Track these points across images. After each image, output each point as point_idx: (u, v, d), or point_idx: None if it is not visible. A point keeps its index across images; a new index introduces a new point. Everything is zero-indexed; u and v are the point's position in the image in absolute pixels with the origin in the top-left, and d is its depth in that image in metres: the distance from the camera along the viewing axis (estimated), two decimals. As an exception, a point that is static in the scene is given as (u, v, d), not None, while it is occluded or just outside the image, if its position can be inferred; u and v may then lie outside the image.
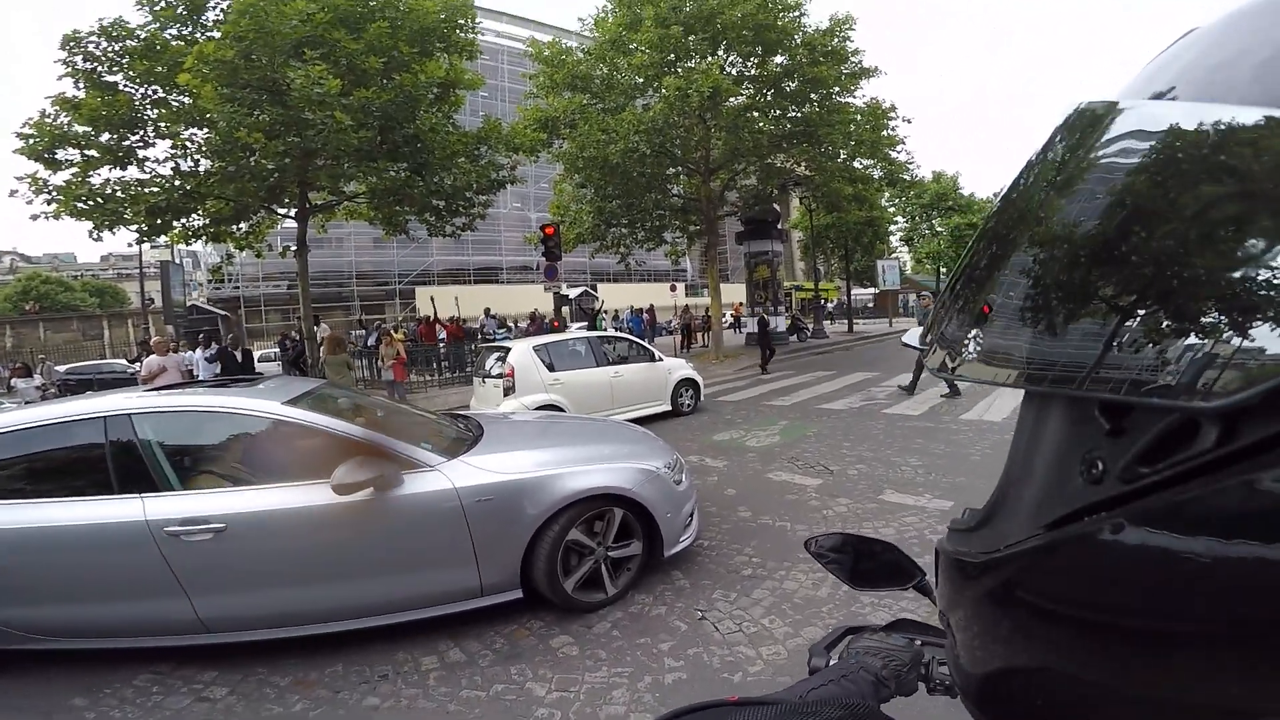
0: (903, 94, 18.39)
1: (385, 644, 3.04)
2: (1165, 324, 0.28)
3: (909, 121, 16.35)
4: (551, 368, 7.95)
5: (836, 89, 15.01)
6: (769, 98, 15.32)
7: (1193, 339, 0.26)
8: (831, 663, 0.81)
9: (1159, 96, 0.35)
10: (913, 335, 0.54)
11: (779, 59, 14.88)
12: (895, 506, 4.70)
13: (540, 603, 3.26)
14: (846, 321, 27.31)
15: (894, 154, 17.07)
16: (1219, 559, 0.26)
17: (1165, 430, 0.29)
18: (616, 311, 25.88)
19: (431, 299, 18.36)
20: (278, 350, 15.12)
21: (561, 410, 7.50)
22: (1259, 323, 0.24)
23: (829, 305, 33.48)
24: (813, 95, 14.98)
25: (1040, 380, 0.35)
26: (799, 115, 15.30)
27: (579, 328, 15.72)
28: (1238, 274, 0.25)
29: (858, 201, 20.86)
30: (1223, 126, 0.28)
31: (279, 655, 2.96)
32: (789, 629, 3.06)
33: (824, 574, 3.53)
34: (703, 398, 9.71)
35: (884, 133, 15.96)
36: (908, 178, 19.43)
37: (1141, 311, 0.29)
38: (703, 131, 15.06)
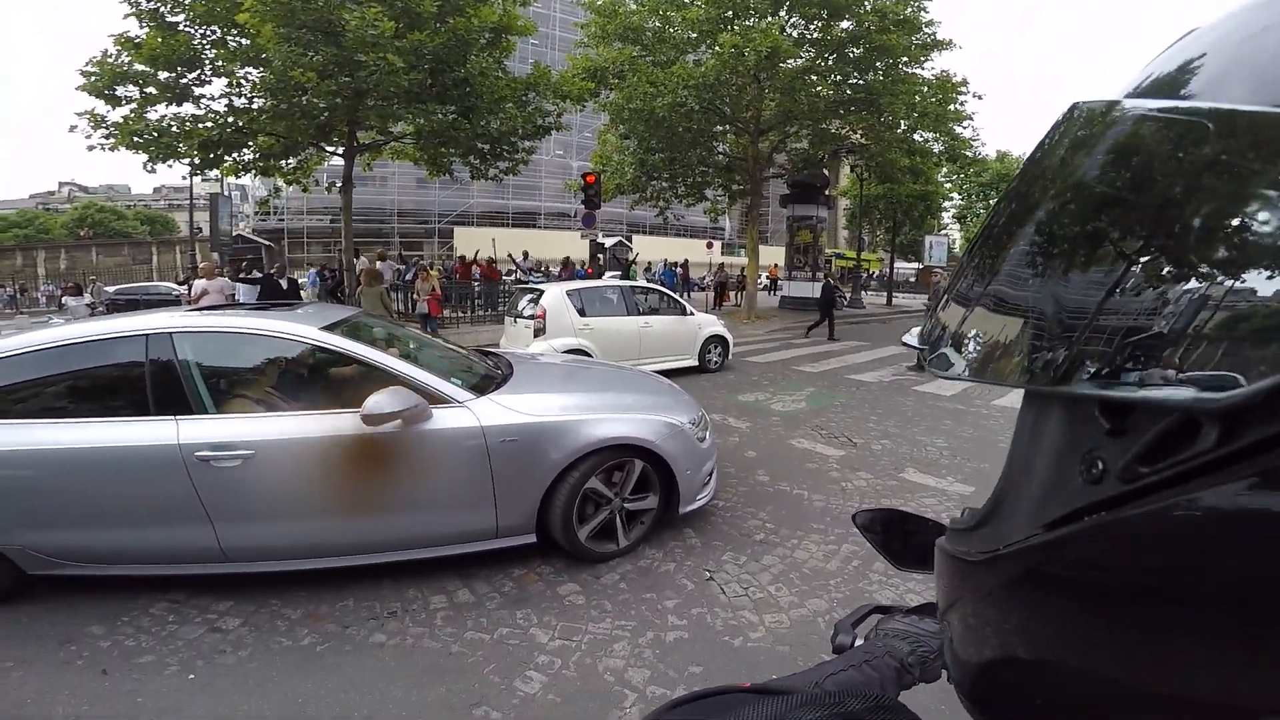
0: (977, 68, 17.24)
1: (396, 580, 3.11)
2: (1165, 323, 0.27)
3: (980, 98, 15.49)
4: (583, 313, 7.97)
5: (905, 59, 14.29)
6: (830, 62, 14.67)
7: (1193, 338, 0.26)
8: (857, 642, 0.79)
9: (1160, 96, 0.35)
10: (912, 335, 0.52)
11: (845, 24, 14.16)
12: (916, 486, 4.64)
13: (552, 548, 3.32)
14: (886, 294, 26.60)
15: (959, 129, 16.25)
16: (1219, 559, 0.26)
17: (1165, 430, 0.29)
18: (650, 264, 25.69)
19: (479, 251, 18.37)
20: (314, 280, 15.33)
21: (589, 356, 7.53)
22: (1259, 322, 0.24)
23: (868, 276, 32.58)
24: (878, 63, 14.31)
25: (1040, 379, 0.34)
26: (861, 82, 14.61)
27: (612, 276, 15.67)
28: (1237, 274, 0.25)
29: (913, 174, 20.10)
30: (1224, 126, 0.28)
31: (292, 587, 3.03)
32: (794, 599, 3.07)
33: (835, 546, 3.55)
34: (731, 356, 9.64)
35: (951, 107, 15.16)
36: (970, 154, 18.51)
37: (1141, 311, 0.29)
38: (755, 91, 14.52)
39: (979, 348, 0.40)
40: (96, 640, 2.73)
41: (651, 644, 2.71)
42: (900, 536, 0.90)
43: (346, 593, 3.04)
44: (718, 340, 9.28)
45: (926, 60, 14.90)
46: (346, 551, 3.02)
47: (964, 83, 15.09)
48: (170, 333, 2.97)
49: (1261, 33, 0.31)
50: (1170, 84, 0.35)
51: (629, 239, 28.89)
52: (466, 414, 3.05)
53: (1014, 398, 6.49)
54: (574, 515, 3.22)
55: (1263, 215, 0.25)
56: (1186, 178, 0.29)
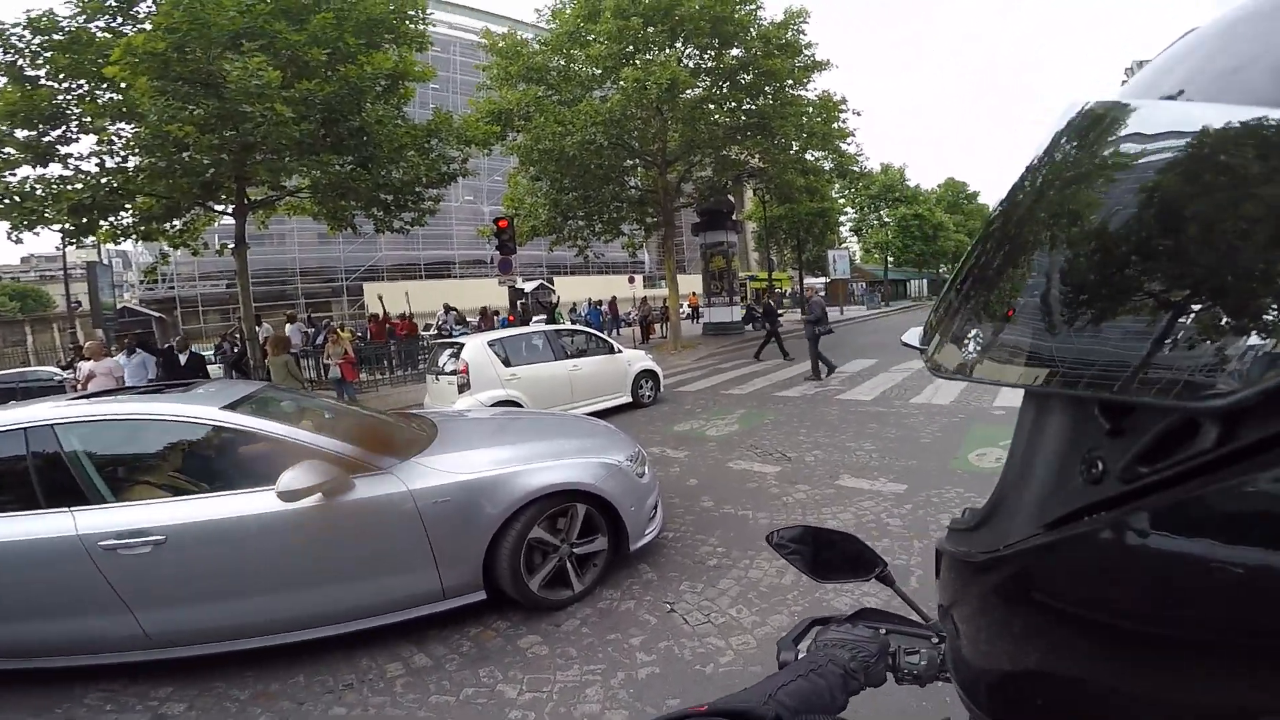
0: (854, 87, 18.79)
1: (347, 652, 2.94)
2: (1166, 324, 0.28)
3: (859, 114, 16.76)
4: (507, 363, 7.83)
5: (790, 81, 15.24)
6: (725, 90, 15.48)
7: (1193, 339, 0.26)
8: (800, 656, 0.81)
9: (1162, 96, 0.35)
10: (912, 335, 0.54)
11: (735, 51, 15.06)
12: (852, 491, 4.81)
13: (506, 603, 3.21)
14: (800, 310, 27.83)
15: (844, 146, 17.47)
16: (1219, 559, 0.26)
17: (1165, 430, 0.29)
18: (574, 304, 25.75)
19: (380, 297, 17.81)
20: (214, 353, 14.26)
21: (519, 406, 7.40)
22: (1259, 323, 0.24)
23: (782, 295, 34.13)
24: (766, 88, 15.19)
25: (1040, 379, 0.35)
26: (753, 107, 15.48)
27: (538, 321, 15.56)
28: (1238, 274, 0.25)
29: (809, 192, 21.30)
30: (1227, 127, 0.28)
31: (237, 668, 2.84)
32: (756, 618, 3.09)
33: (786, 562, 3.60)
34: (663, 388, 9.75)
35: (834, 125, 16.30)
36: (857, 169, 19.88)
37: (1142, 312, 0.29)
38: (660, 123, 15.11)
39: (979, 348, 0.40)
40: None
41: (624, 684, 2.65)
42: (814, 550, 0.96)
43: (296, 668, 2.84)
44: (648, 375, 9.37)
45: (809, 81, 15.92)
46: (286, 628, 2.83)
47: (843, 101, 16.26)
48: (52, 424, 2.76)
49: (1262, 34, 0.31)
50: (1170, 85, 0.35)
51: (550, 281, 28.87)
52: (392, 480, 2.95)
53: (930, 396, 6.92)
54: (521, 567, 3.13)
55: (1266, 220, 0.25)
56: (1187, 182, 0.29)
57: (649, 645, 2.92)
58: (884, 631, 0.85)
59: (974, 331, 0.41)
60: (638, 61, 14.17)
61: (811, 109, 15.93)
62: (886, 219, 41.79)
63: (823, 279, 38.40)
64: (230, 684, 2.78)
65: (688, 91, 14.47)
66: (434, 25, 13.34)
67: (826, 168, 19.38)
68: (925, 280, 51.77)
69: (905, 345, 0.57)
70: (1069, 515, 0.35)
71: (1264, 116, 0.27)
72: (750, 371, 11.82)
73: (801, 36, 15.15)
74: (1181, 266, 0.28)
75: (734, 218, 22.27)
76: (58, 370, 16.43)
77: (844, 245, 39.82)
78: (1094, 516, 0.33)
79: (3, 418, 2.85)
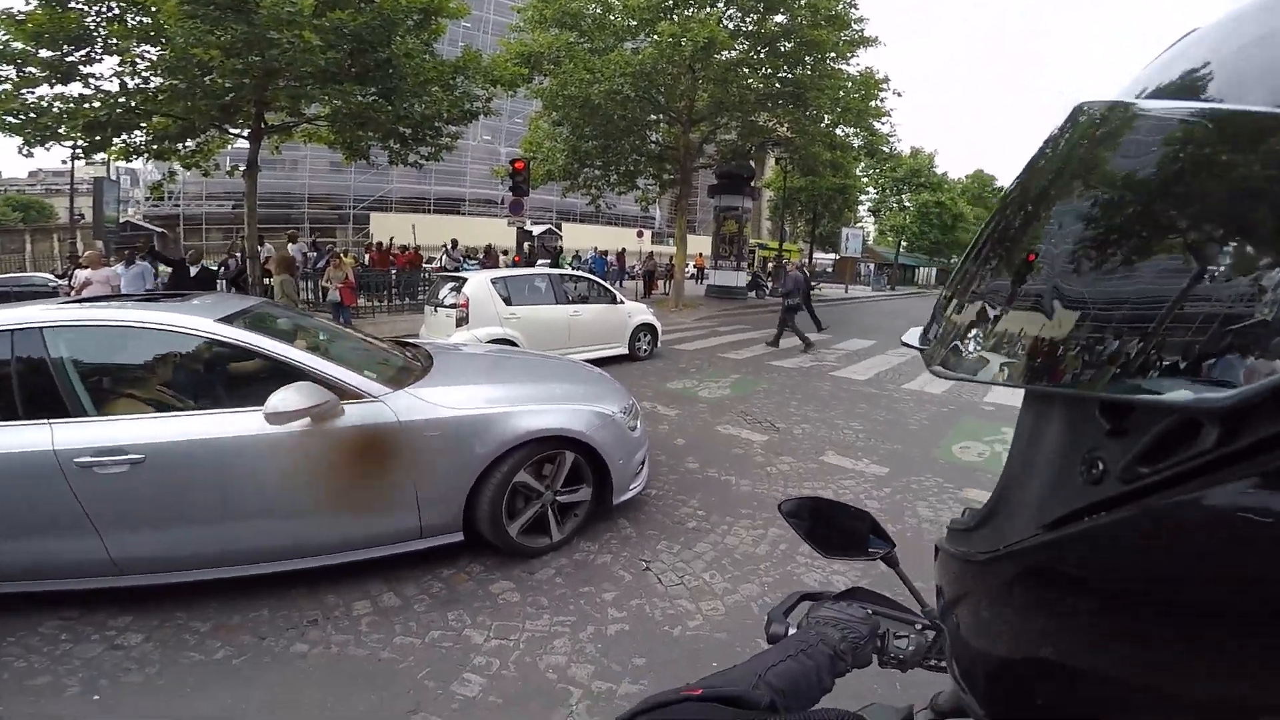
0: (896, 67, 18.09)
1: (314, 587, 2.93)
2: (1166, 324, 0.27)
3: (899, 95, 16.28)
4: (509, 301, 7.78)
5: (832, 54, 14.75)
6: (762, 55, 14.96)
7: (1193, 339, 0.26)
8: (790, 630, 0.81)
9: (1162, 95, 0.35)
10: (912, 335, 0.52)
11: (779, 18, 14.47)
12: (834, 469, 4.85)
13: (482, 546, 3.23)
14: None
15: (879, 125, 16.99)
16: (1219, 559, 0.26)
17: (1165, 430, 0.30)
18: (578, 252, 25.49)
19: (413, 228, 17.56)
20: (220, 269, 14.07)
21: (516, 346, 7.38)
22: (1259, 323, 0.24)
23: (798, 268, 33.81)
24: (807, 58, 14.70)
25: (1040, 380, 0.35)
26: (790, 76, 14.99)
27: (542, 264, 15.42)
28: (1238, 274, 0.25)
29: (834, 168, 20.94)
30: (1225, 125, 0.28)
31: (198, 599, 2.80)
32: (728, 585, 3.13)
33: (763, 531, 3.66)
34: (660, 344, 9.74)
35: (872, 103, 15.83)
36: (887, 149, 19.35)
37: (1143, 312, 0.29)
38: (690, 81, 14.68)
39: (979, 349, 0.40)
40: None
41: (592, 638, 2.68)
42: (824, 523, 0.94)
43: (259, 602, 2.83)
44: (647, 329, 9.34)
45: (853, 56, 15.42)
46: (256, 559, 2.81)
47: (885, 80, 15.77)
48: (40, 328, 2.66)
49: (1263, 35, 0.31)
50: (1171, 85, 0.35)
51: (558, 227, 28.46)
52: (382, 409, 2.90)
53: (924, 383, 6.91)
54: (503, 511, 3.14)
55: (1260, 216, 0.25)
56: (1188, 181, 0.29)
57: (621, 601, 2.96)
58: (871, 612, 0.85)
59: (974, 332, 0.41)
60: (676, 16, 13.68)
61: (850, 84, 15.44)
62: (908, 203, 41.04)
63: (833, 255, 38.01)
64: (191, 615, 2.73)
65: (724, 53, 14.01)
66: None
67: (856, 145, 18.92)
68: (935, 268, 51.28)
69: (905, 345, 0.56)
70: (1069, 515, 0.35)
71: (1264, 116, 0.26)
72: (749, 337, 11.78)
73: (852, 10, 14.56)
74: (1181, 267, 0.28)
75: (753, 184, 21.89)
76: (51, 276, 16.27)
77: (859, 224, 39.21)
78: (1094, 516, 0.33)
79: None
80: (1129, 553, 0.31)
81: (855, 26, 14.78)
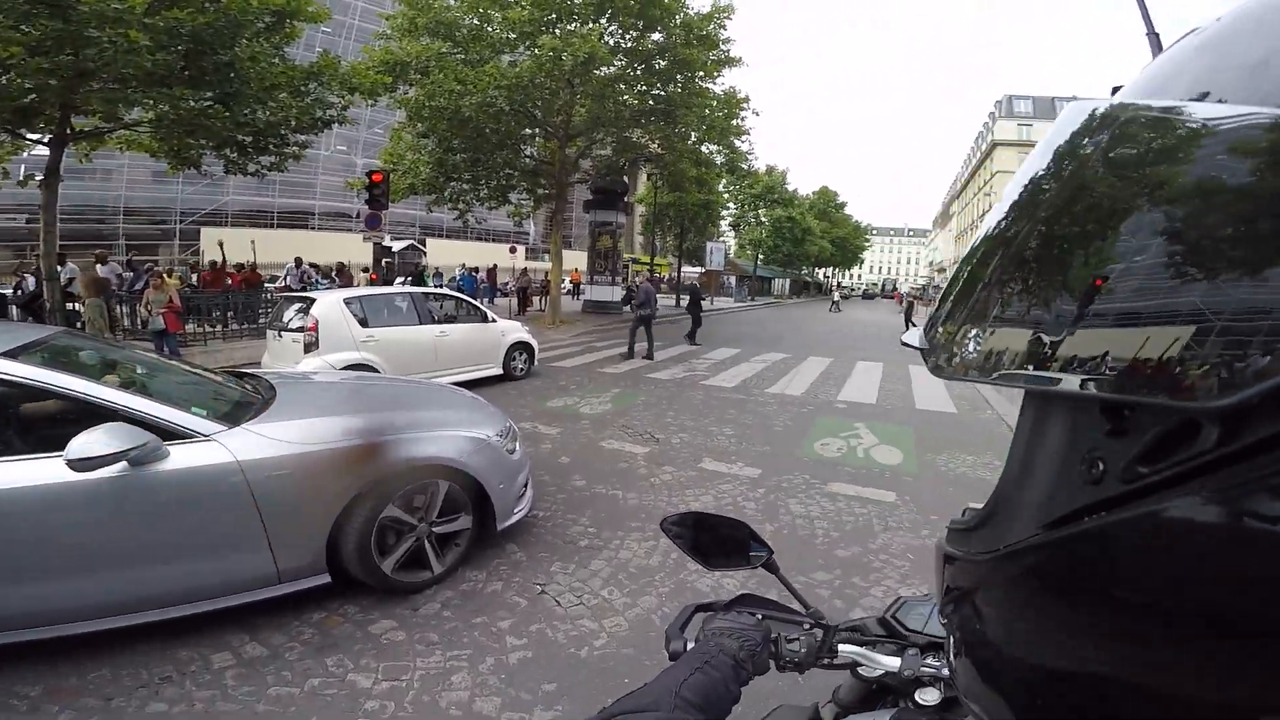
0: (756, 88, 19.42)
1: (161, 643, 2.55)
2: (1167, 324, 0.28)
3: (758, 114, 17.34)
4: (365, 323, 7.23)
5: (701, 73, 15.36)
6: (638, 72, 15.29)
7: (1193, 339, 0.26)
8: (689, 645, 0.82)
9: (1162, 96, 0.35)
10: (912, 336, 0.53)
11: (656, 35, 14.88)
12: (713, 474, 5.05)
13: (354, 586, 2.97)
14: (674, 296, 28.81)
15: (739, 143, 18.05)
16: (1219, 559, 0.26)
17: (1165, 430, 0.29)
18: (438, 269, 24.52)
19: (220, 243, 15.68)
20: (13, 291, 11.62)
21: (376, 371, 6.90)
22: (1259, 323, 0.24)
23: (661, 280, 35.01)
24: (678, 75, 15.22)
25: (1040, 380, 0.35)
26: (662, 93, 15.46)
27: (401, 282, 14.61)
28: (1238, 274, 0.25)
29: (699, 184, 21.85)
30: (1225, 125, 0.28)
31: (21, 662, 2.36)
32: (628, 599, 3.11)
33: (654, 542, 3.70)
34: (537, 362, 9.59)
35: (734, 121, 16.76)
36: (746, 167, 20.60)
37: (1143, 312, 0.29)
38: (569, 96, 14.68)
39: (980, 349, 0.40)
40: None
41: (494, 669, 2.55)
42: (705, 537, 0.97)
43: (99, 661, 2.43)
44: (522, 347, 9.13)
45: (719, 76, 16.13)
46: (87, 616, 2.39)
47: (746, 99, 16.78)
48: None
49: (1262, 35, 0.31)
50: (1172, 85, 0.35)
51: (422, 243, 27.08)
52: (216, 449, 2.58)
53: (784, 386, 7.44)
54: (373, 548, 2.90)
55: (1259, 219, 0.25)
56: (1188, 181, 0.29)
57: (519, 628, 2.84)
58: (761, 618, 0.87)
59: (974, 333, 0.41)
60: (558, 30, 13.63)
61: (715, 102, 16.23)
62: (764, 218, 44.23)
63: (699, 269, 39.88)
64: (15, 680, 2.32)
65: (603, 68, 14.19)
66: None
67: (719, 162, 19.99)
68: (788, 280, 55.58)
69: (906, 346, 0.57)
70: (1069, 515, 0.35)
71: (1264, 116, 0.27)
72: (624, 351, 11.97)
73: (721, 31, 15.30)
74: (1181, 267, 0.28)
75: (626, 199, 22.34)
76: None
77: (722, 238, 41.56)
78: (1094, 516, 0.33)
79: None
80: (1129, 553, 0.31)
81: (723, 47, 15.55)
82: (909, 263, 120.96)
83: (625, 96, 15.29)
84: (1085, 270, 0.33)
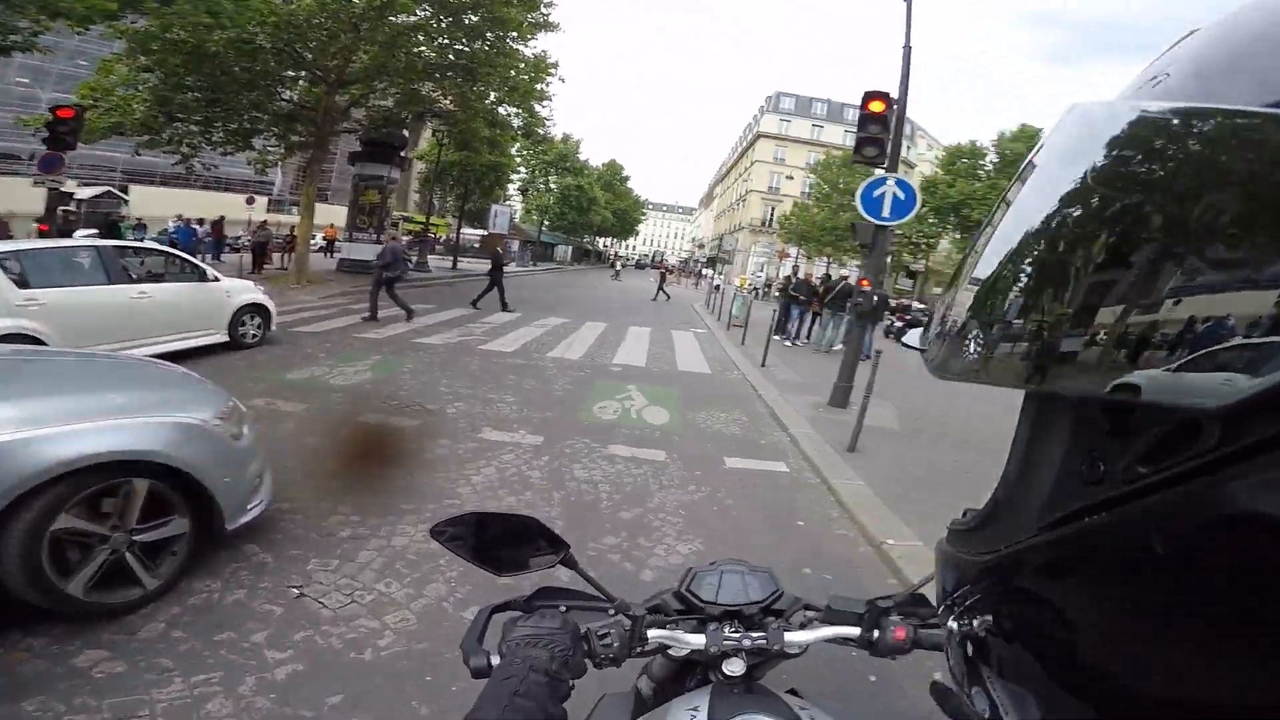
0: (567, 52, 18.81)
1: None
2: (1167, 325, 0.28)
3: (563, 80, 16.88)
4: (24, 283, 5.50)
5: (515, 34, 14.40)
6: (444, 24, 13.74)
7: (1193, 339, 0.26)
8: (493, 658, 0.73)
9: (1162, 96, 0.35)
10: (913, 336, 0.52)
11: None
12: (494, 444, 4.89)
13: (35, 612, 2.31)
14: (452, 259, 27.28)
15: (539, 108, 17.44)
16: (1220, 559, 0.27)
17: (1166, 430, 0.30)
18: (141, 220, 19.84)
19: None
20: None
21: (41, 344, 5.29)
22: (1259, 323, 0.24)
23: (435, 241, 32.74)
24: (489, 34, 14.09)
25: (1041, 380, 0.34)
26: (467, 49, 14.20)
27: (86, 235, 11.47)
28: (1238, 275, 0.26)
29: (491, 145, 20.80)
30: (1226, 127, 0.28)
31: None
32: (411, 590, 2.85)
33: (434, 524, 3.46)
34: (275, 328, 8.22)
35: (539, 86, 16.08)
36: (543, 132, 20.00)
37: (1142, 312, 0.29)
38: (351, 39, 12.69)
39: (980, 350, 0.39)
40: None
41: (258, 689, 2.15)
42: (489, 540, 0.87)
43: None
44: (255, 309, 7.77)
45: (533, 39, 15.33)
46: None
47: (555, 64, 16.19)
48: None
49: (1261, 34, 0.31)
50: (1172, 85, 0.35)
51: (124, 190, 21.31)
52: None
53: (564, 351, 7.63)
54: (47, 567, 2.27)
55: (1264, 216, 0.25)
56: (1188, 182, 0.29)
57: (279, 640, 2.43)
58: (566, 609, 0.83)
59: (974, 333, 0.40)
60: None
61: (523, 64, 15.41)
62: (553, 185, 43.90)
63: (481, 231, 38.24)
64: None
65: (401, 16, 12.49)
66: None
67: (516, 125, 19.15)
68: (571, 246, 56.38)
69: (906, 346, 0.55)
70: (1070, 515, 0.35)
71: (1263, 116, 0.27)
72: (388, 315, 10.90)
73: None
74: (1181, 268, 0.28)
75: (403, 154, 20.24)
76: None
77: (508, 202, 40.26)
78: (1095, 516, 0.33)
79: None
80: (1130, 553, 0.31)
81: (544, 10, 14.78)
82: (676, 237, 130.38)
83: (422, 48, 13.90)
84: (1084, 272, 0.33)
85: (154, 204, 25.85)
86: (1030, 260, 0.37)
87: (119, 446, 2.48)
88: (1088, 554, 0.34)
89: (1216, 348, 0.26)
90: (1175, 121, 0.31)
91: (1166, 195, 0.30)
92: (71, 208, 16.04)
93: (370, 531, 3.36)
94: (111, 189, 26.98)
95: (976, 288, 0.41)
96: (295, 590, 2.79)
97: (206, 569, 2.84)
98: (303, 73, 14.08)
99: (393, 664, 2.39)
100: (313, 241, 17.25)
